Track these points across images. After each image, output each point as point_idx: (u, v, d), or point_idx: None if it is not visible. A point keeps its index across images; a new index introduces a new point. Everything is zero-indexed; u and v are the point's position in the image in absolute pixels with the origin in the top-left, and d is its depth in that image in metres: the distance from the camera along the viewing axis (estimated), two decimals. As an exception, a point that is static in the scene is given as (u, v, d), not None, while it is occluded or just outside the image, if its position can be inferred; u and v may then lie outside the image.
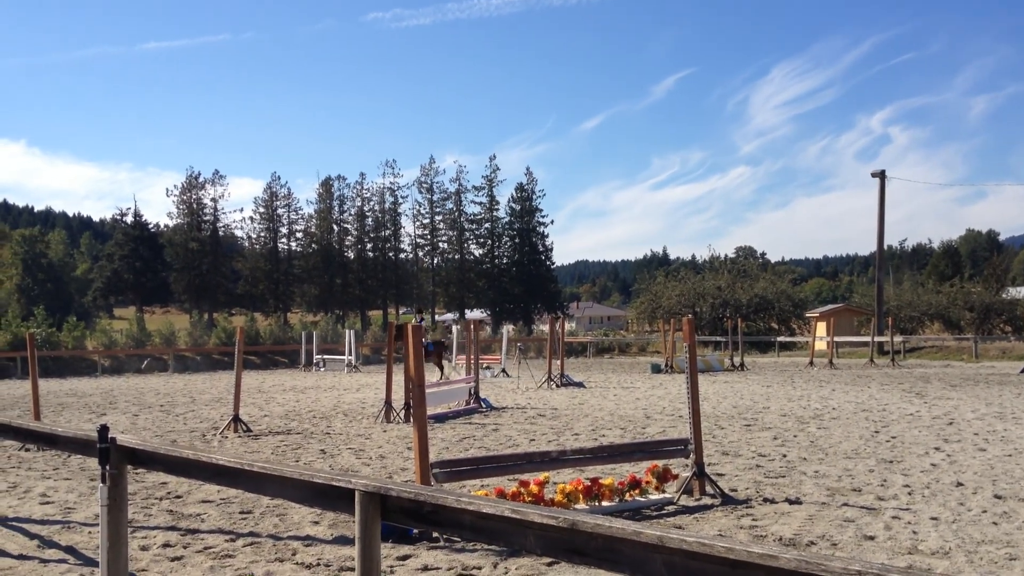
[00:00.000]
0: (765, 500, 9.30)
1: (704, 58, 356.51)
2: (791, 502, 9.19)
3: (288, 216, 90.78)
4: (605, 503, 8.72)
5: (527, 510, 3.60)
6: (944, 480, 10.35)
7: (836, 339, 42.70)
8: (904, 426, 15.87)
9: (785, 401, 21.27)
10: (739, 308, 56.87)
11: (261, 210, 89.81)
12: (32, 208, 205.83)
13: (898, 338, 45.92)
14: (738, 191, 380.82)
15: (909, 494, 9.54)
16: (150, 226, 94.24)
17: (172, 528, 8.32)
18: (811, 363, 39.68)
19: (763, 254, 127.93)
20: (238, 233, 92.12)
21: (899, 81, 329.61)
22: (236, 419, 16.24)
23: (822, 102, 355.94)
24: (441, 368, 26.70)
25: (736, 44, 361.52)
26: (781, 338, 53.95)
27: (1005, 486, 9.92)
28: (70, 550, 7.53)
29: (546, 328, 51.39)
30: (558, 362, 28.06)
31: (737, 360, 38.25)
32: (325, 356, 42.13)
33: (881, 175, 50.78)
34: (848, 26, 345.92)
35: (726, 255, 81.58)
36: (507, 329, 45.50)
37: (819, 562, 2.70)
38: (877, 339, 43.91)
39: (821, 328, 48.28)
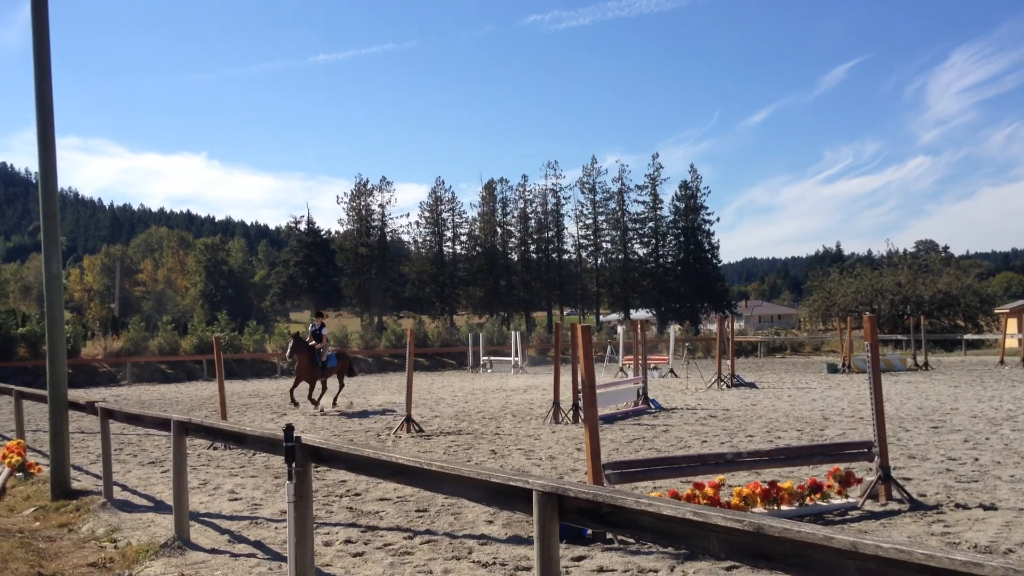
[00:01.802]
0: (957, 506, 8.78)
1: (877, 45, 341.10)
2: (985, 508, 8.63)
3: (452, 220, 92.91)
4: (784, 507, 8.43)
5: (709, 512, 3.50)
6: None
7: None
8: (1108, 429, 14.69)
9: (975, 402, 20.04)
10: (921, 305, 54.21)
11: (426, 215, 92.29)
12: (213, 218, 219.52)
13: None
14: (917, 182, 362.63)
15: (1115, 500, 8.80)
16: (322, 233, 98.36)
17: (352, 525, 8.61)
18: (1002, 362, 37.27)
19: (946, 248, 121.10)
20: (404, 238, 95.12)
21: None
22: (408, 419, 16.67)
23: (1007, 87, 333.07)
24: (341, 384, 23.15)
25: (912, 29, 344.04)
26: (968, 336, 50.99)
27: None
28: (258, 544, 7.89)
29: (714, 327, 50.44)
30: (728, 362, 27.46)
31: (920, 359, 36.38)
32: (492, 357, 42.74)
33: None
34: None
35: (905, 250, 77.96)
36: (674, 329, 44.86)
37: (1028, 570, 2.50)
38: (1076, 336, 40.79)
39: (1012, 325, 45.38)
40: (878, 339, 9.97)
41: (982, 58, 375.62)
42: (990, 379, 28.11)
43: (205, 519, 8.99)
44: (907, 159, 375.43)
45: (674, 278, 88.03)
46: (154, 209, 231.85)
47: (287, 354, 20.89)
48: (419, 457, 5.11)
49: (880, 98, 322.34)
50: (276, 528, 8.42)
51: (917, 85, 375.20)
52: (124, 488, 10.92)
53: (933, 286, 57.35)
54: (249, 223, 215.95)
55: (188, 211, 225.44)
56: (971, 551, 6.74)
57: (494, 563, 7.03)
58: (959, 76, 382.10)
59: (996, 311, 55.29)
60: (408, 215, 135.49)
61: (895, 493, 9.00)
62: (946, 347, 50.40)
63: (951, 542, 7.33)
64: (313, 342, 21.12)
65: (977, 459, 11.73)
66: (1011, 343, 42.39)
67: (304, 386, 21.60)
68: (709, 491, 8.19)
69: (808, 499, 8.69)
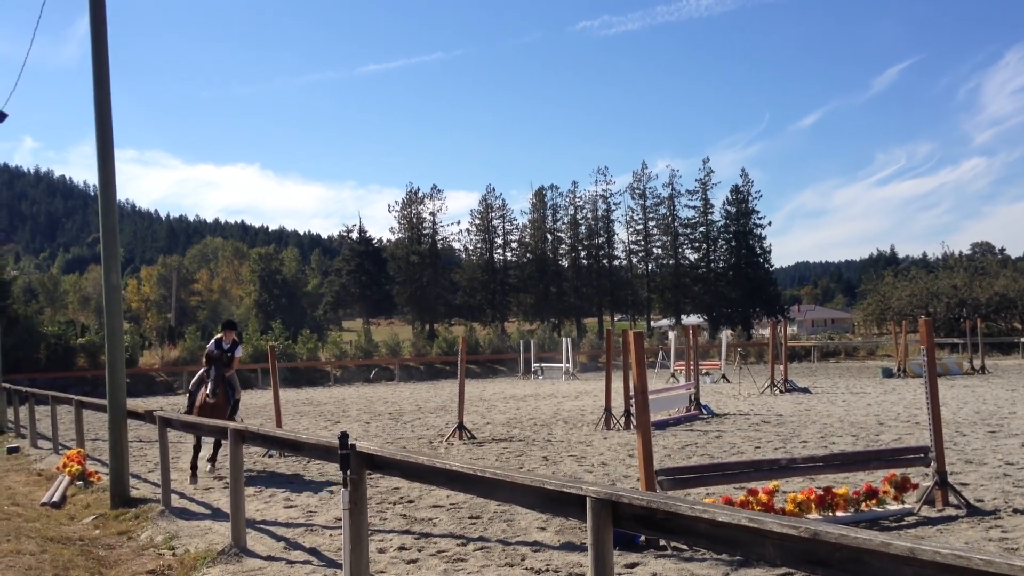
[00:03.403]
0: (1015, 511, 8.61)
1: (929, 46, 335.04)
2: (1045, 513, 8.46)
3: (503, 227, 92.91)
4: (840, 513, 8.34)
5: (765, 519, 3.49)
6: None
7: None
8: None
9: (1034, 406, 19.62)
10: (977, 308, 53.15)
11: (477, 222, 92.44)
12: (267, 228, 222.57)
13: None
14: (972, 184, 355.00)
15: None
16: (374, 241, 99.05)
17: (406, 532, 8.69)
18: (1062, 365, 36.42)
19: (1002, 250, 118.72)
20: (455, 245, 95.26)
21: None
22: (460, 426, 16.75)
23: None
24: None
25: (965, 29, 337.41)
26: (1025, 339, 49.88)
27: None
28: (313, 552, 7.99)
29: (766, 332, 49.93)
30: (781, 367, 27.16)
31: (977, 363, 35.65)
32: (543, 364, 42.74)
33: None
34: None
35: (961, 252, 76.68)
36: (726, 334, 44.51)
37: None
38: None
39: (1072, 327, 44.24)
40: (934, 343, 9.82)
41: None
42: (1051, 383, 27.47)
43: (261, 526, 9.12)
44: (961, 160, 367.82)
45: (725, 283, 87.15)
46: (209, 220, 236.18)
47: (209, 391, 12.50)
48: (472, 464, 5.15)
49: (933, 99, 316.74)
50: (331, 535, 8.52)
51: (971, 86, 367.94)
52: (182, 496, 11.13)
53: (990, 288, 56.27)
54: (302, 232, 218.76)
55: (242, 221, 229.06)
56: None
57: (547, 570, 7.05)
58: (1013, 75, 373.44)
59: (1056, 313, 54.09)
60: (459, 223, 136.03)
61: (952, 499, 8.86)
62: (1003, 350, 49.35)
63: (1009, 548, 7.20)
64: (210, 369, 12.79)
65: (1037, 464, 11.49)
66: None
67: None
68: (763, 497, 8.13)
69: (864, 505, 8.58)
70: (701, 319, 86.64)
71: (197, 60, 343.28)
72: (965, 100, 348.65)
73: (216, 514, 9.87)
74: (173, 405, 28.63)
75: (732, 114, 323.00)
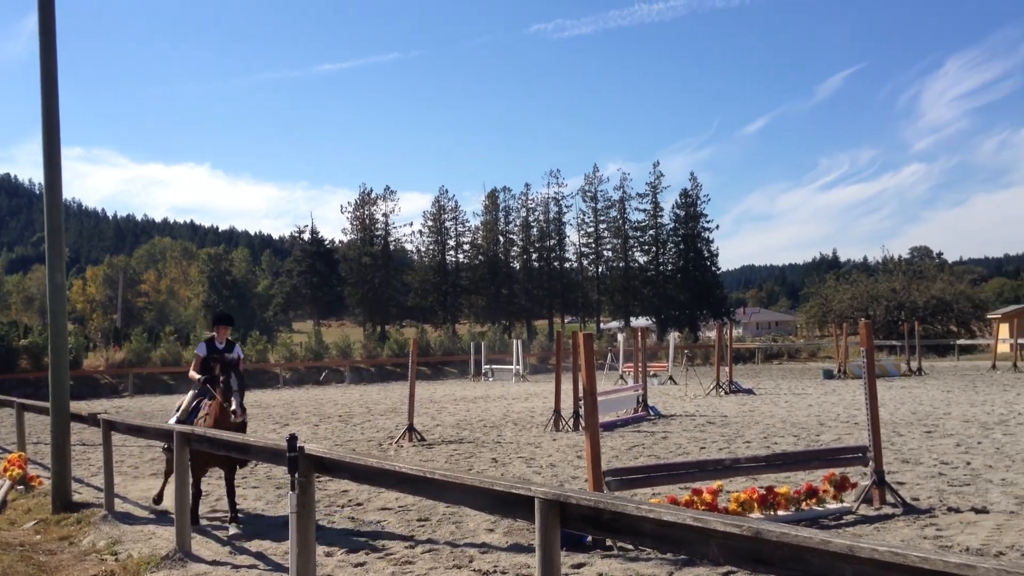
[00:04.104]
0: (949, 509, 8.88)
1: (872, 54, 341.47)
2: (977, 511, 8.73)
3: (455, 229, 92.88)
4: (781, 512, 8.51)
5: (709, 518, 3.57)
6: None
7: (1020, 341, 40.23)
8: (1099, 432, 14.80)
9: (967, 406, 20.15)
10: (915, 311, 54.40)
11: (430, 224, 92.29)
12: (217, 228, 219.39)
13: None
14: (912, 189, 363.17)
15: (1105, 503, 8.90)
16: (326, 242, 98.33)
17: (355, 534, 8.67)
18: (994, 366, 37.47)
19: (940, 254, 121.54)
20: (408, 247, 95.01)
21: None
22: (410, 428, 16.72)
23: (1000, 95, 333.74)
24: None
25: (907, 38, 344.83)
26: (961, 341, 51.17)
27: None
28: (260, 556, 7.93)
29: (713, 334, 50.51)
30: (726, 368, 27.53)
31: (914, 364, 36.49)
32: (493, 366, 42.78)
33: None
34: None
35: (900, 256, 78.54)
36: (673, 336, 44.94)
37: (1020, 572, 2.57)
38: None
39: (1004, 330, 45.65)
40: (873, 345, 10.06)
41: (975, 66, 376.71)
42: (982, 384, 28.23)
43: (207, 531, 9.03)
44: (902, 166, 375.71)
45: (674, 286, 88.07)
46: (157, 219, 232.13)
47: (236, 406, 9.07)
48: (422, 466, 5.18)
49: (875, 106, 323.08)
50: (278, 539, 8.47)
51: (912, 93, 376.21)
52: (126, 500, 10.96)
53: (927, 292, 57.64)
54: (253, 233, 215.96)
55: (191, 221, 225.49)
56: (964, 554, 6.82)
57: (495, 571, 7.10)
58: (953, 84, 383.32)
59: (988, 316, 55.61)
60: (411, 224, 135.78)
61: (889, 497, 9.09)
62: (939, 352, 50.56)
63: (944, 545, 7.41)
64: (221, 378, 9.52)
65: (969, 463, 11.83)
66: (1003, 348, 42.54)
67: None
68: (707, 497, 8.27)
69: (804, 504, 8.77)
70: (650, 321, 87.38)
71: (148, 57, 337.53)
72: (906, 107, 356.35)
73: (161, 519, 9.76)
74: (118, 408, 28.17)
75: (682, 118, 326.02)
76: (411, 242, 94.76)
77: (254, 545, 8.34)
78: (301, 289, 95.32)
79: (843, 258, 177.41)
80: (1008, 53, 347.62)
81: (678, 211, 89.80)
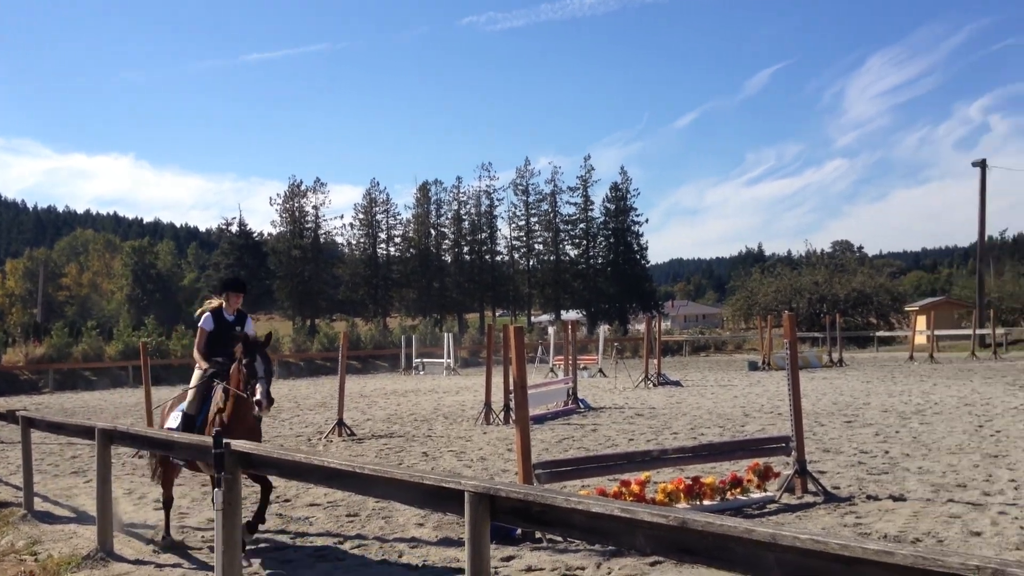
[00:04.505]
0: (868, 497, 9.14)
1: (799, 50, 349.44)
2: (895, 499, 9.01)
3: (387, 222, 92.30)
4: (707, 502, 8.66)
5: (637, 509, 3.61)
6: (1053, 475, 10.01)
7: (936, 332, 41.63)
8: (1008, 420, 15.42)
9: (886, 397, 20.75)
10: (836, 303, 55.78)
11: (361, 216, 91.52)
12: (141, 220, 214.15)
13: (1000, 330, 44.38)
14: (835, 184, 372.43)
15: (1016, 489, 9.30)
16: (254, 235, 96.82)
17: (282, 531, 8.58)
18: (911, 357, 38.62)
19: (860, 248, 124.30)
20: (338, 240, 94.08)
21: (999, 68, 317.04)
22: (340, 423, 16.59)
23: (920, 92, 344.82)
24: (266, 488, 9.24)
25: (832, 35, 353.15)
26: (880, 333, 52.73)
27: (1117, 480, 9.56)
28: (184, 554, 7.80)
29: (642, 327, 51.09)
30: (655, 361, 27.87)
31: (835, 356, 37.43)
32: (424, 359, 42.63)
33: (982, 164, 49.40)
34: (947, 13, 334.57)
35: (823, 250, 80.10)
36: (603, 329, 45.33)
37: (936, 557, 2.65)
38: (978, 332, 42.40)
39: (921, 322, 47.16)
40: (796, 337, 10.29)
41: (897, 64, 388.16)
42: (900, 374, 29.08)
43: (130, 529, 8.84)
44: (825, 161, 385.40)
45: (604, 279, 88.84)
46: (80, 211, 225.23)
47: (261, 393, 7.19)
48: (351, 461, 5.14)
49: (801, 102, 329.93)
50: (203, 537, 8.33)
51: (836, 89, 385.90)
52: (46, 499, 10.67)
53: (848, 285, 59.07)
54: (179, 225, 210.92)
55: (115, 213, 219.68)
56: (882, 541, 7.03)
57: (424, 565, 7.09)
58: (875, 81, 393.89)
59: (906, 309, 57.30)
60: (342, 217, 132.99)
61: (811, 486, 9.32)
62: (860, 344, 51.92)
63: (863, 532, 7.63)
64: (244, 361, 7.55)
65: (887, 452, 12.19)
66: (920, 339, 43.92)
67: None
68: (635, 488, 8.37)
69: (729, 494, 8.94)
70: (580, 314, 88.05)
71: (71, 46, 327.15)
72: (830, 103, 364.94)
73: (82, 518, 9.51)
74: (38, 404, 27.39)
75: (613, 112, 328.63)
76: (342, 235, 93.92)
77: (178, 543, 8.20)
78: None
79: (768, 252, 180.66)
80: (928, 51, 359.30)
81: (608, 205, 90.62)
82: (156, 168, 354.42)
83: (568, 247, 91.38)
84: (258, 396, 7.03)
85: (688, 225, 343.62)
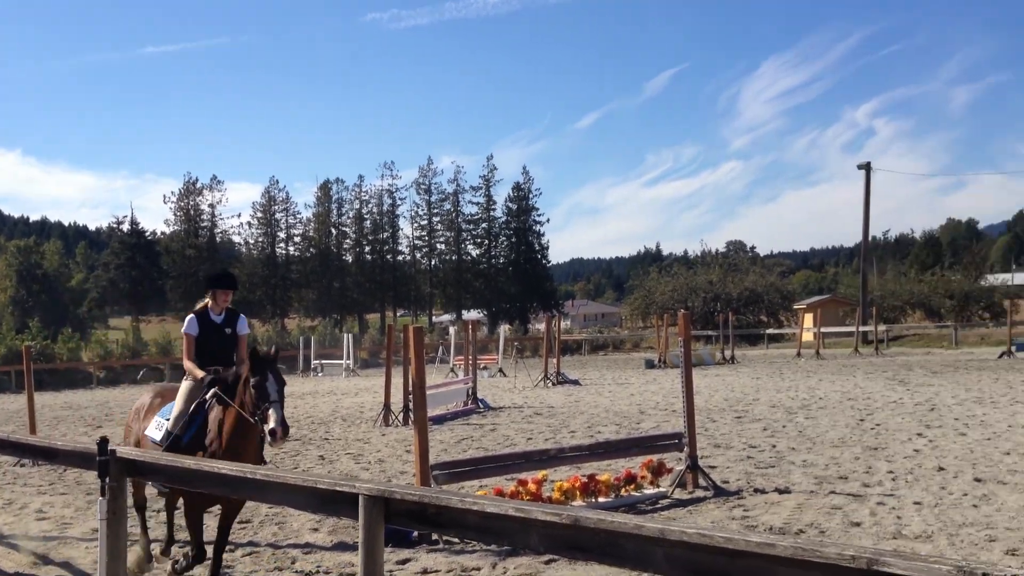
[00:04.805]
0: (756, 491, 9.42)
1: (697, 53, 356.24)
2: (780, 492, 9.31)
3: (286, 221, 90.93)
4: (602, 499, 8.79)
5: (531, 508, 3.64)
6: (926, 465, 10.52)
7: (823, 330, 43.06)
8: (888, 413, 16.10)
9: (774, 392, 21.41)
10: (730, 302, 57.21)
11: (259, 215, 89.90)
12: (27, 218, 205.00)
13: (882, 327, 46.31)
14: (729, 186, 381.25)
15: (893, 480, 9.71)
16: (147, 234, 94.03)
17: (171, 541, 8.34)
18: (799, 354, 39.98)
19: (753, 248, 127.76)
20: (236, 239, 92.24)
21: (884, 73, 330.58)
22: (235, 426, 16.20)
23: (810, 96, 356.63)
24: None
25: (728, 39, 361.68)
26: (770, 330, 54.34)
27: (984, 469, 10.10)
28: (66, 565, 7.53)
29: (542, 327, 51.50)
30: (554, 360, 28.11)
31: (728, 353, 38.40)
32: (323, 361, 42.10)
33: (867, 167, 51.30)
34: (837, 19, 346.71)
35: (717, 250, 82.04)
36: (503, 329, 45.54)
37: (814, 548, 2.76)
38: (862, 329, 44.12)
39: (808, 319, 48.78)
40: (690, 335, 10.53)
41: (789, 68, 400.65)
42: (788, 371, 30.08)
43: (9, 541, 8.50)
44: (721, 163, 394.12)
45: (505, 278, 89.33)
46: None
47: (276, 421, 6.00)
48: (243, 467, 5.05)
49: (698, 104, 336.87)
50: (87, 547, 8.04)
51: (731, 92, 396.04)
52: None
53: (741, 284, 60.74)
54: (67, 224, 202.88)
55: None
56: (766, 533, 7.25)
57: (318, 571, 7.01)
58: (768, 85, 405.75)
59: (795, 307, 59.21)
60: (240, 215, 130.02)
61: (701, 481, 9.56)
62: (751, 341, 53.42)
63: (749, 525, 7.87)
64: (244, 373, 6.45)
65: (774, 446, 12.60)
66: (807, 336, 45.41)
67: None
68: (532, 487, 8.44)
69: (624, 490, 9.09)
70: (481, 314, 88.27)
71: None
72: (726, 106, 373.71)
73: (-42, 531, 9.09)
74: (-92, 412, 26.01)
75: (516, 112, 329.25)
76: (239, 234, 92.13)
77: (61, 555, 7.91)
78: (119, 283, 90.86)
79: (666, 251, 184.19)
80: (819, 56, 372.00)
81: (510, 204, 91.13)
82: (44, 164, 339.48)
83: (470, 247, 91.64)
84: (272, 424, 5.94)
85: (589, 225, 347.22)
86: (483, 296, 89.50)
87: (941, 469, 10.21)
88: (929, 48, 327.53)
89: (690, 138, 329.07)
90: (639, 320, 68.50)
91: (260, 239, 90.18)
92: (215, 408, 6.47)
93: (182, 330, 7.19)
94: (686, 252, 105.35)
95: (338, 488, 4.42)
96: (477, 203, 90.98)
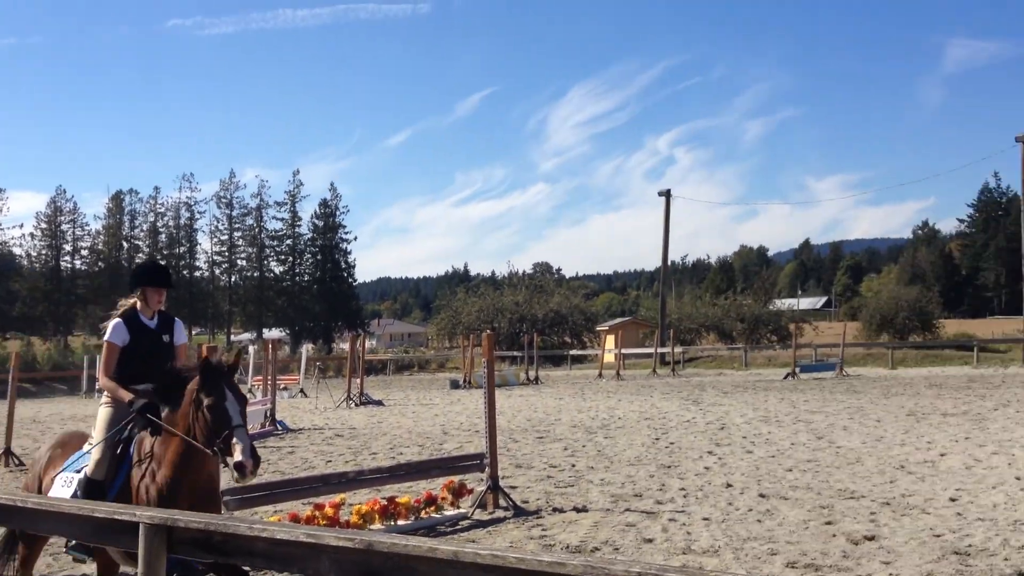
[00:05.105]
0: (554, 510, 9.62)
1: (508, 77, 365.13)
2: (578, 510, 9.55)
3: (73, 232, 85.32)
4: (401, 522, 8.73)
5: (323, 533, 3.56)
6: (715, 482, 11.07)
7: (623, 351, 44.54)
8: (681, 432, 16.84)
9: (575, 412, 21.99)
10: (535, 323, 58.31)
11: (43, 226, 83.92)
12: None
13: (678, 349, 48.39)
14: (537, 208, 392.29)
15: (684, 497, 10.15)
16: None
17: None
18: (600, 375, 41.18)
19: (559, 270, 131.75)
20: (16, 251, 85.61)
21: (685, 104, 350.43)
22: (8, 452, 15.13)
23: (616, 123, 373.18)
24: None
25: (538, 63, 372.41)
26: (574, 351, 55.70)
27: (769, 485, 10.73)
28: None
29: (347, 346, 50.84)
30: (358, 380, 27.79)
31: (532, 374, 39.12)
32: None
33: (667, 194, 53.79)
34: (642, 49, 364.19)
35: (524, 271, 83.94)
36: (306, 348, 44.67)
37: (603, 566, 2.82)
38: (660, 350, 46.02)
39: (610, 341, 50.30)
40: (494, 356, 10.66)
41: (596, 95, 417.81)
42: (590, 391, 31.03)
43: None
44: (529, 186, 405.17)
45: (310, 297, 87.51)
46: None
47: (243, 452, 5.01)
48: (13, 495, 4.68)
49: (508, 127, 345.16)
50: None
51: (540, 117, 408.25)
52: None
53: (546, 305, 62.09)
54: None
55: None
56: (561, 551, 7.41)
57: (98, 604, 6.57)
58: (576, 110, 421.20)
59: (598, 329, 61.17)
60: (22, 226, 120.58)
61: (502, 501, 9.67)
62: (555, 362, 54.67)
63: (547, 544, 8.01)
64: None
65: (574, 465, 12.93)
66: (609, 358, 46.81)
67: None
68: (329, 511, 8.28)
69: (424, 512, 9.07)
70: (284, 333, 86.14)
71: None
72: (535, 130, 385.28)
73: None
74: None
75: (324, 128, 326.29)
76: (20, 246, 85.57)
77: None
78: None
79: (474, 272, 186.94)
80: (624, 85, 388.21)
81: (317, 221, 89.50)
82: None
83: (273, 263, 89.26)
84: (239, 456, 4.84)
85: (398, 243, 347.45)
86: (286, 314, 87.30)
87: (729, 486, 10.74)
88: (725, 82, 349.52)
89: (500, 160, 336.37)
90: (445, 340, 68.87)
91: (44, 251, 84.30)
92: (147, 439, 5.23)
93: (104, 338, 5.78)
94: (494, 273, 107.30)
95: (117, 517, 4.16)
96: (282, 219, 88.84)
